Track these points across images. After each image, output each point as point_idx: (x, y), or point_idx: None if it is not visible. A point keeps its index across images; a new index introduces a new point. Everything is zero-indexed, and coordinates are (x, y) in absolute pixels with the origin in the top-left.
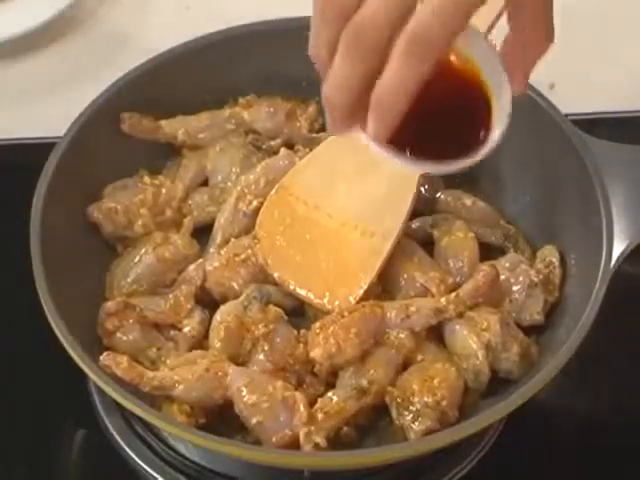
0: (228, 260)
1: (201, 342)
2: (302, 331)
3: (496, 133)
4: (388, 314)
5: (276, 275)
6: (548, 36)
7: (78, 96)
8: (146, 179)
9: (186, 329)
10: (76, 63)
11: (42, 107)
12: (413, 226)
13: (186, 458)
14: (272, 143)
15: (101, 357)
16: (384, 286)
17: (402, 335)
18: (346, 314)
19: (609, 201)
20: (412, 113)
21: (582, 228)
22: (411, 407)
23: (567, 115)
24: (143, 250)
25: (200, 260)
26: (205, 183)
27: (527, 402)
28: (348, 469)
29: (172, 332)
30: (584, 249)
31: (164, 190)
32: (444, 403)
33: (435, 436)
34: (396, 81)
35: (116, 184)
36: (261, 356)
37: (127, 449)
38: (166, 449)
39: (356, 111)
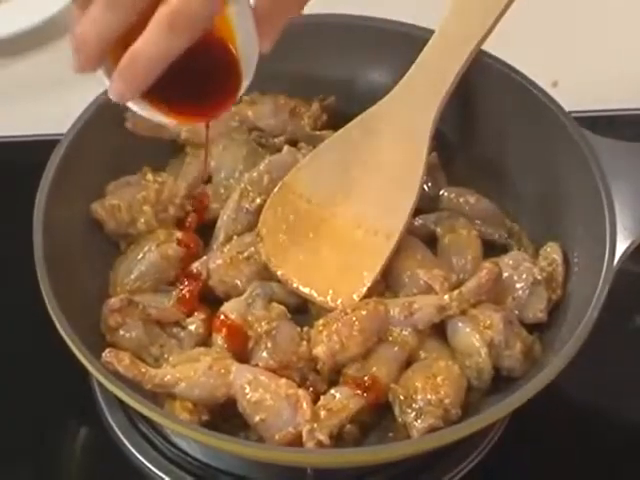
0: (231, 258)
1: (205, 340)
2: (305, 329)
3: (243, 86)
4: (391, 311)
5: (279, 273)
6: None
7: (80, 94)
8: (149, 176)
9: (191, 327)
10: None
11: (44, 105)
12: (416, 224)
13: (189, 455)
14: (275, 140)
15: (103, 354)
16: (387, 283)
17: (405, 332)
18: (349, 311)
19: (612, 199)
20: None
21: (585, 226)
22: (414, 405)
23: (570, 112)
24: (146, 247)
25: (203, 257)
26: (208, 180)
27: (530, 400)
28: (351, 467)
29: (175, 329)
30: (587, 247)
31: (167, 187)
32: (447, 401)
33: (438, 434)
34: (153, 51)
35: (119, 181)
36: (264, 353)
37: (130, 446)
38: (169, 446)
39: (104, 57)
